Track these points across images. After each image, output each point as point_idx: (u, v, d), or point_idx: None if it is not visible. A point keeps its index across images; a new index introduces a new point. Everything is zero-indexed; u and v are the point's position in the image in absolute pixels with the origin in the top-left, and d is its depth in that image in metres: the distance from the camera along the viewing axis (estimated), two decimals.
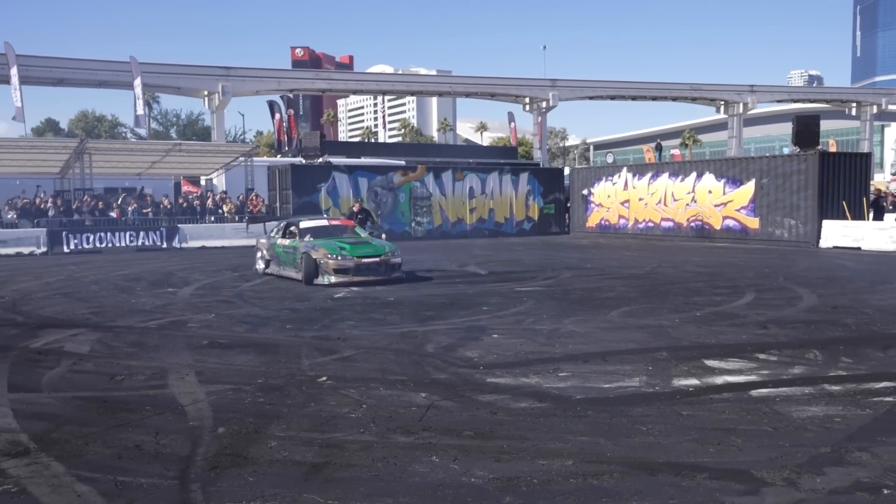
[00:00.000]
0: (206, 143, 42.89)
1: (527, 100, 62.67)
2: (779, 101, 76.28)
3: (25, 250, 23.35)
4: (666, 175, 29.42)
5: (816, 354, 7.79)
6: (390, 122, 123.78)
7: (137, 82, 41.11)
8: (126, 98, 41.29)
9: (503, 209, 32.66)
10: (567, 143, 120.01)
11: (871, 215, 23.77)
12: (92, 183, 28.24)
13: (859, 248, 21.86)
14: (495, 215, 32.49)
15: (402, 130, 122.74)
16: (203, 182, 33.70)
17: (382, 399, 6.23)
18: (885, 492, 4.18)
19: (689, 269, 17.15)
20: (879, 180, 46.70)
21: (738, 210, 26.29)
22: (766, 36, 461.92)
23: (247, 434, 5.31)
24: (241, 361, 7.75)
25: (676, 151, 60.08)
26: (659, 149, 47.08)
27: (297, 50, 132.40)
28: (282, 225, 16.24)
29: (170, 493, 4.26)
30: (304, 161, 29.87)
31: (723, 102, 68.21)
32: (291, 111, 48.83)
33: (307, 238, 14.84)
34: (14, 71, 37.35)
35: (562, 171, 36.84)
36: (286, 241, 15.34)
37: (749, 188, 25.83)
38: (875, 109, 72.12)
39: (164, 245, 25.36)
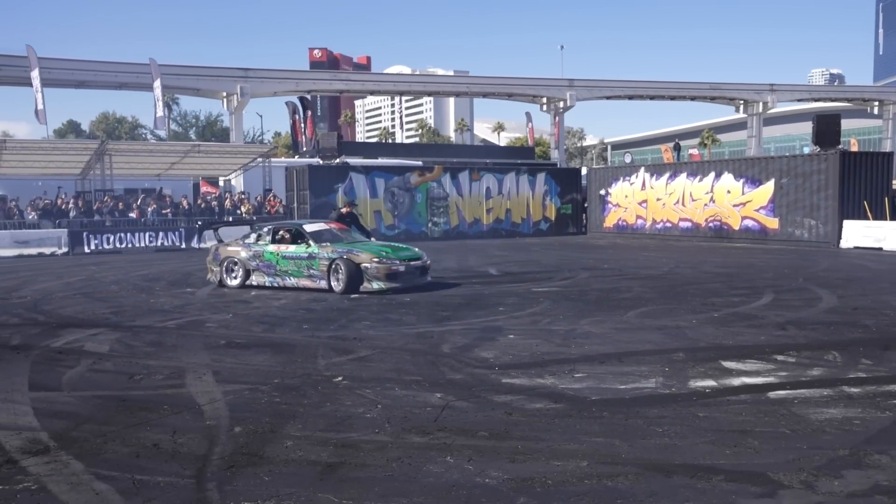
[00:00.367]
0: (225, 144, 43.22)
1: (544, 100, 62.63)
2: (799, 101, 75.67)
3: (47, 251, 23.64)
4: (684, 175, 29.24)
5: (836, 356, 7.71)
6: (408, 123, 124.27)
7: (157, 84, 41.48)
8: (146, 99, 41.87)
9: (520, 209, 32.60)
10: (585, 143, 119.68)
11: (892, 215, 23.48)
12: (112, 184, 28.57)
13: (881, 249, 21.61)
14: (512, 216, 32.45)
15: (420, 131, 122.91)
16: (222, 183, 33.96)
17: (398, 399, 6.25)
18: None
19: (707, 269, 17.04)
20: None
21: (757, 210, 26.08)
22: (787, 35, 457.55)
23: (263, 433, 5.34)
24: (258, 361, 7.80)
25: (695, 151, 59.77)
26: (677, 148, 46.81)
27: (315, 51, 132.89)
28: (265, 230, 14.36)
29: (186, 492, 4.29)
30: (321, 162, 29.99)
31: (742, 102, 67.78)
32: (309, 112, 49.11)
33: (328, 242, 13.62)
34: (36, 73, 37.81)
35: (579, 171, 36.71)
36: (288, 248, 13.66)
37: (768, 188, 25.61)
38: None
39: (184, 245, 25.56)
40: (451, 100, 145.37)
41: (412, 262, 13.42)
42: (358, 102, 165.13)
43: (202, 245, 15.12)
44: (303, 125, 48.31)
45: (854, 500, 4.10)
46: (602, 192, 33.30)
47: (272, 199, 29.95)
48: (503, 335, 9.09)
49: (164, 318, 10.77)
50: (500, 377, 6.99)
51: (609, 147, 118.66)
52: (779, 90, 68.12)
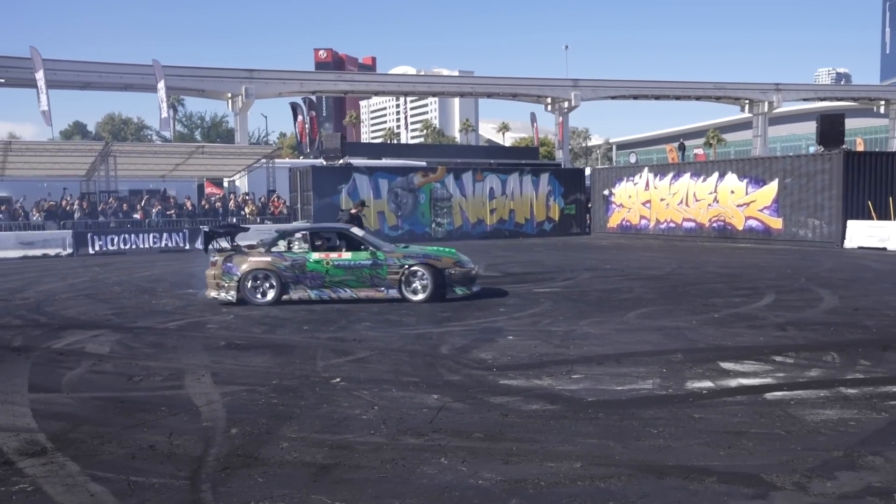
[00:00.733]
0: (229, 146, 43.32)
1: (548, 100, 62.60)
2: (805, 100, 75.44)
3: (52, 252, 23.74)
4: (688, 175, 29.20)
5: (834, 357, 7.70)
6: (413, 123, 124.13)
7: (161, 85, 41.60)
8: (152, 101, 41.81)
9: (523, 210, 32.60)
10: (590, 143, 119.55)
11: None
12: (117, 185, 28.67)
13: (885, 249, 21.54)
14: (516, 216, 32.44)
15: (425, 131, 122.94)
16: (226, 184, 34.04)
17: (394, 401, 6.27)
18: None
19: (710, 270, 17.02)
20: None
21: (760, 210, 26.03)
22: (793, 34, 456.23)
23: (259, 435, 5.37)
24: (257, 362, 7.83)
25: (700, 151, 59.60)
26: (682, 148, 46.76)
27: (321, 52, 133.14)
28: (297, 235, 12.79)
29: (180, 494, 4.32)
30: (324, 163, 30.04)
31: (747, 101, 67.61)
32: (313, 113, 49.20)
33: (388, 247, 12.61)
34: (40, 75, 37.98)
35: (582, 171, 36.69)
36: (341, 255, 12.09)
37: (772, 188, 25.56)
38: None
39: (187, 246, 25.63)
40: (456, 100, 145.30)
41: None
42: (363, 103, 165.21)
43: (210, 254, 12.79)
44: (307, 126, 48.38)
45: (846, 502, 4.10)
46: (606, 192, 33.27)
47: (276, 199, 30.02)
48: (502, 336, 9.10)
49: (165, 319, 10.81)
50: (497, 378, 7.01)
51: (614, 147, 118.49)
52: (784, 90, 67.92)
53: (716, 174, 27.85)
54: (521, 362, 7.67)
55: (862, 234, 22.70)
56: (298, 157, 47.63)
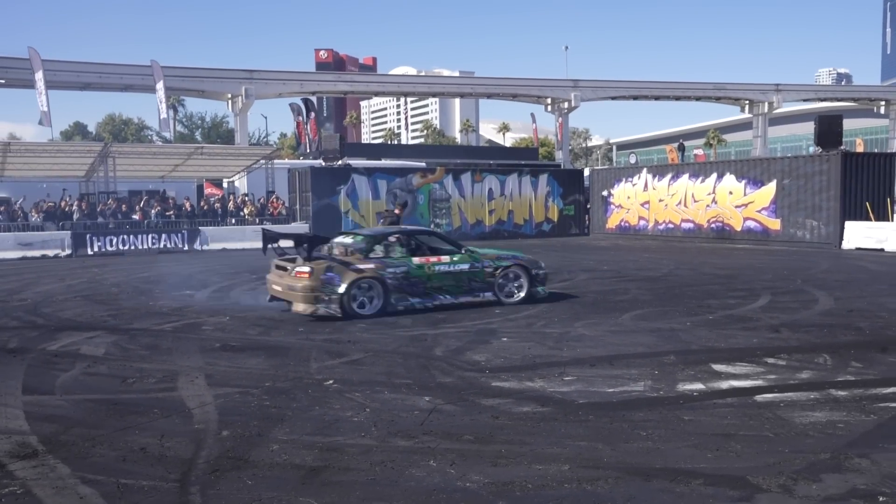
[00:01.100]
0: (228, 147, 43.33)
1: (548, 100, 62.60)
2: (805, 101, 75.37)
3: (50, 253, 23.75)
4: (686, 176, 29.21)
5: (826, 359, 7.72)
6: (413, 124, 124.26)
7: (160, 86, 41.62)
8: (153, 101, 41.72)
9: (522, 210, 32.61)
10: (590, 144, 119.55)
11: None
12: (116, 186, 28.66)
13: (882, 250, 21.55)
14: (514, 217, 32.44)
15: (425, 132, 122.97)
16: (225, 185, 34.07)
17: (386, 403, 6.29)
18: (881, 499, 4.16)
19: (707, 271, 17.03)
20: None
21: (759, 211, 26.03)
22: (794, 34, 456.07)
23: (249, 437, 5.39)
24: (251, 364, 7.86)
25: (699, 152, 59.62)
26: (682, 149, 46.77)
27: (321, 52, 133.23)
28: (391, 238, 11.69)
29: (169, 496, 4.35)
30: (323, 163, 30.06)
31: (747, 102, 67.59)
32: (313, 113, 49.20)
33: (470, 248, 12.21)
34: (39, 75, 37.99)
35: (581, 172, 36.70)
36: (440, 259, 11.51)
37: (770, 189, 25.56)
38: None
39: (186, 247, 25.66)
40: (457, 101, 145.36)
41: None
42: (364, 103, 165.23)
43: (278, 258, 11.58)
44: (306, 126, 48.41)
45: None
46: (604, 193, 33.27)
47: (275, 200, 30.04)
48: (497, 338, 9.12)
49: (161, 320, 10.83)
50: (490, 380, 7.03)
51: (614, 148, 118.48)
52: (784, 90, 67.90)
53: (714, 175, 27.86)
54: (514, 364, 7.70)
55: (860, 235, 22.69)
56: (298, 158, 47.66)
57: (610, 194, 33.00)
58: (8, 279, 17.08)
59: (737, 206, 26.85)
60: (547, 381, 6.97)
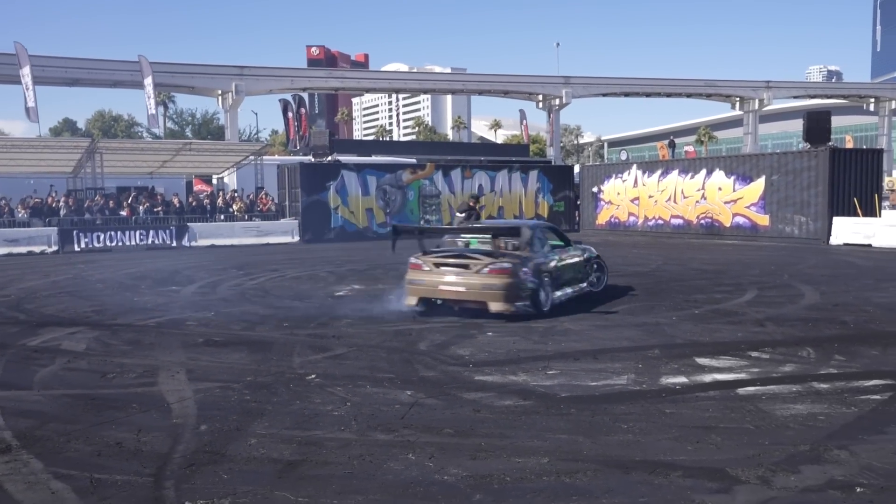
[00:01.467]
0: (217, 143, 43.11)
1: (540, 97, 62.64)
2: (795, 97, 75.71)
3: (37, 249, 23.58)
4: (676, 172, 29.23)
5: (810, 352, 7.72)
6: (405, 121, 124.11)
7: (148, 81, 41.40)
8: (143, 98, 41.50)
9: (512, 207, 32.56)
10: (582, 141, 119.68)
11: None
12: (104, 182, 28.47)
13: (870, 246, 21.62)
14: (504, 213, 32.40)
15: (417, 129, 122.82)
16: (215, 181, 33.91)
17: (367, 397, 6.25)
18: (858, 490, 4.15)
19: (695, 266, 17.05)
20: None
21: (748, 207, 26.08)
22: (785, 32, 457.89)
23: (228, 431, 5.34)
24: (233, 359, 7.79)
25: (690, 148, 59.83)
26: (672, 146, 46.88)
27: (313, 49, 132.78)
28: (540, 233, 11.42)
29: (143, 491, 4.29)
30: (312, 159, 29.95)
31: (738, 99, 67.79)
32: (302, 109, 49.05)
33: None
34: (26, 71, 37.71)
35: (571, 168, 36.69)
36: (567, 252, 11.59)
37: (759, 185, 25.61)
38: (894, 105, 71.32)
39: (174, 244, 25.52)
40: (449, 97, 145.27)
41: None
42: (355, 100, 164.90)
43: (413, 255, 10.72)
44: (296, 122, 48.26)
45: (807, 495, 4.11)
46: (594, 189, 33.28)
47: (264, 196, 29.92)
48: (482, 333, 9.09)
49: (145, 316, 10.74)
50: (472, 374, 7.00)
51: (606, 144, 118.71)
52: (775, 87, 68.14)
53: (703, 171, 27.89)
54: (497, 358, 7.67)
55: (847, 230, 22.77)
56: (289, 154, 47.51)
57: (600, 190, 33.01)
58: None
59: (726, 202, 26.90)
60: (530, 374, 6.94)
